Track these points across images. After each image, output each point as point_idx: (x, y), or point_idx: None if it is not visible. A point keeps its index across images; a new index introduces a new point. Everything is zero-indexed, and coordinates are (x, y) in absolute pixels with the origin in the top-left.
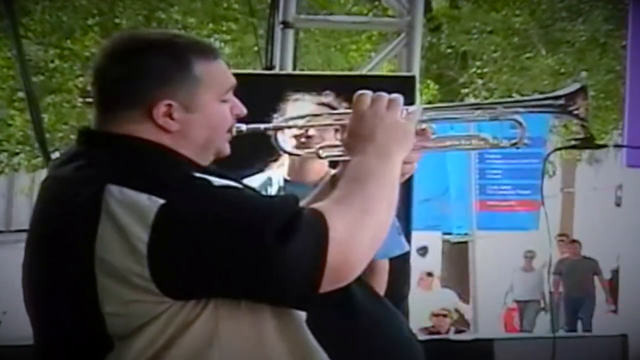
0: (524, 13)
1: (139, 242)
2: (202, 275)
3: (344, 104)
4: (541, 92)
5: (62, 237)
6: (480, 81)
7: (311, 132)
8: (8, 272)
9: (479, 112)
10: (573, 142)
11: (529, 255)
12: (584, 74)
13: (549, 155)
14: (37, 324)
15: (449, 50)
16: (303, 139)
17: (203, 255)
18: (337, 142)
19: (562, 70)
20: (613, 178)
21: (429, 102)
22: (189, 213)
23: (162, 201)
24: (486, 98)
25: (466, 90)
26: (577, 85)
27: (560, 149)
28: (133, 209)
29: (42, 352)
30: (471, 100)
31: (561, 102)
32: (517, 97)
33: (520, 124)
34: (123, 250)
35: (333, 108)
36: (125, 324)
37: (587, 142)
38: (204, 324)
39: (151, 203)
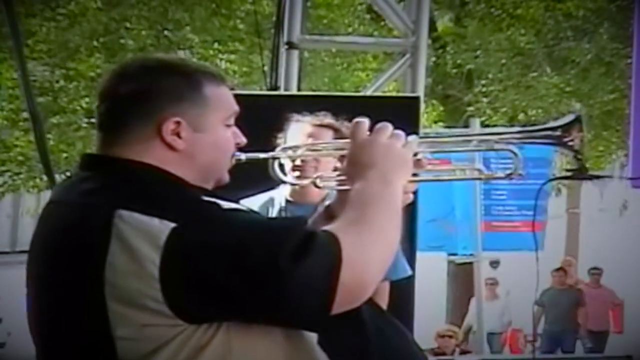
0: (529, 32)
1: (151, 265)
2: (215, 298)
3: (346, 124)
4: (546, 111)
5: (70, 263)
6: (485, 100)
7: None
8: (13, 293)
9: (474, 142)
10: (567, 173)
11: (490, 282)
12: (578, 105)
13: (543, 185)
14: (43, 348)
15: (454, 70)
16: (298, 162)
17: (216, 278)
18: (334, 172)
19: (567, 89)
20: (618, 199)
21: (435, 122)
22: (201, 236)
23: (173, 224)
24: (490, 117)
25: (471, 109)
26: (572, 117)
27: (554, 179)
28: (144, 233)
29: None
30: (476, 120)
31: (557, 133)
32: (513, 129)
33: (516, 154)
34: (135, 273)
35: (334, 129)
36: (137, 349)
37: (581, 173)
38: (217, 349)
39: (162, 226)
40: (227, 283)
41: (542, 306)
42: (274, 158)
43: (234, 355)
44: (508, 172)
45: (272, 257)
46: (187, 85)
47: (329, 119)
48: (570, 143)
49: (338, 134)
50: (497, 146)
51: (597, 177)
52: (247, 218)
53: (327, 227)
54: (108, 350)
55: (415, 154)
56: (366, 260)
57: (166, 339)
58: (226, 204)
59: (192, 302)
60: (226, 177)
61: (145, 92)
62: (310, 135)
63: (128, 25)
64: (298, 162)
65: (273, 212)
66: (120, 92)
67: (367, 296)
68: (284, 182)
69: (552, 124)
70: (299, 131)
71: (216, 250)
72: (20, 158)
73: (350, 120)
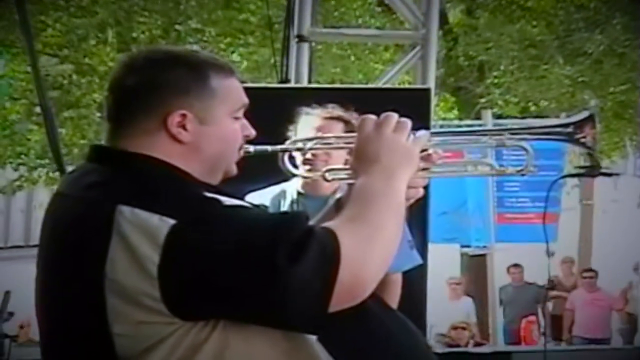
0: (541, 24)
1: (150, 263)
2: (211, 296)
3: (355, 115)
4: (558, 103)
5: (73, 257)
6: (497, 92)
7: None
8: (26, 287)
9: (485, 138)
10: (580, 170)
11: (454, 282)
12: (594, 101)
13: (554, 182)
14: (46, 340)
15: (466, 62)
16: (309, 155)
17: (213, 276)
18: (343, 165)
19: (580, 81)
20: (633, 190)
21: (449, 110)
22: (199, 234)
23: (172, 222)
24: (502, 108)
25: (483, 101)
26: (585, 113)
27: (566, 176)
28: (144, 230)
29: None
30: (488, 112)
31: (569, 130)
32: (525, 124)
33: (527, 151)
34: (134, 271)
35: (344, 121)
36: (134, 345)
37: (594, 170)
38: (215, 346)
39: (162, 223)
40: (225, 282)
41: (500, 303)
42: (284, 151)
43: (232, 352)
44: (519, 168)
45: (270, 256)
46: (194, 78)
47: (338, 111)
48: (583, 140)
49: (348, 126)
50: (508, 142)
51: (610, 174)
52: (247, 215)
53: (327, 224)
54: (107, 346)
55: (425, 149)
56: (365, 258)
57: (162, 337)
58: (228, 201)
59: (189, 301)
60: (234, 170)
61: (151, 85)
62: (319, 128)
63: (139, 18)
64: (309, 156)
65: (285, 205)
66: (126, 84)
67: (366, 294)
68: (293, 175)
69: (564, 120)
70: (308, 124)
71: (214, 249)
72: (35, 151)
73: (361, 113)
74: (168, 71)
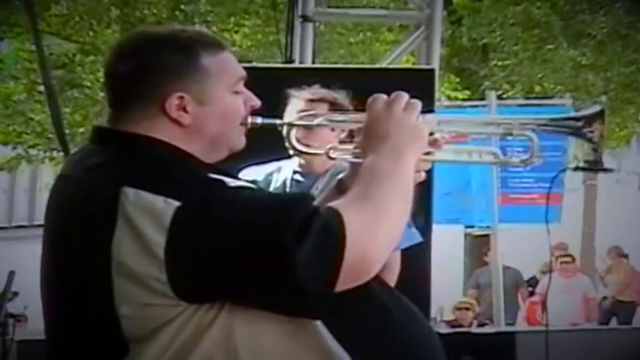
0: (545, 5)
1: (156, 245)
2: (217, 279)
3: (342, 93)
4: (562, 85)
5: (78, 240)
6: (501, 74)
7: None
8: (30, 267)
9: (492, 127)
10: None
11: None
12: (604, 97)
13: (557, 175)
14: (53, 323)
15: (470, 44)
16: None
17: (219, 258)
18: (347, 145)
19: (584, 63)
20: (636, 170)
21: (455, 90)
22: (204, 216)
23: (178, 204)
24: (507, 91)
25: (487, 83)
26: (597, 108)
27: (568, 169)
28: (149, 212)
29: (56, 353)
30: (492, 93)
31: (579, 124)
32: (533, 114)
33: (533, 141)
34: (140, 253)
35: (329, 101)
36: (140, 327)
37: (597, 165)
38: (221, 328)
39: (167, 206)
40: (231, 265)
41: (477, 288)
42: (291, 125)
43: (238, 334)
44: (524, 158)
45: (277, 237)
46: (184, 59)
47: (321, 92)
48: (590, 135)
49: (334, 105)
50: (515, 131)
51: (612, 170)
52: (252, 196)
53: (333, 204)
54: (113, 328)
55: (432, 133)
56: (371, 237)
57: (166, 319)
58: (232, 182)
59: (196, 284)
60: (238, 145)
61: (142, 71)
62: (303, 111)
63: None
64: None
65: (278, 181)
66: (119, 71)
67: (372, 274)
68: (297, 150)
69: (575, 114)
70: (293, 107)
71: (219, 230)
72: (37, 130)
73: (365, 93)
74: (158, 55)
